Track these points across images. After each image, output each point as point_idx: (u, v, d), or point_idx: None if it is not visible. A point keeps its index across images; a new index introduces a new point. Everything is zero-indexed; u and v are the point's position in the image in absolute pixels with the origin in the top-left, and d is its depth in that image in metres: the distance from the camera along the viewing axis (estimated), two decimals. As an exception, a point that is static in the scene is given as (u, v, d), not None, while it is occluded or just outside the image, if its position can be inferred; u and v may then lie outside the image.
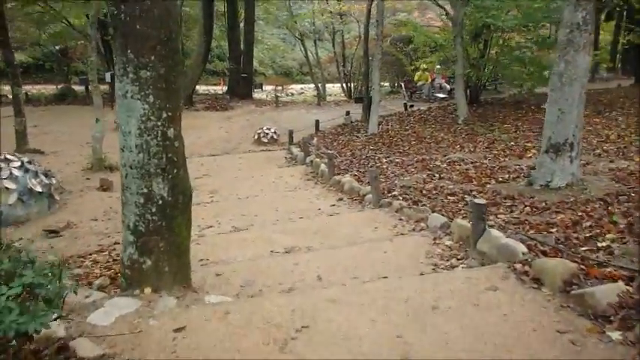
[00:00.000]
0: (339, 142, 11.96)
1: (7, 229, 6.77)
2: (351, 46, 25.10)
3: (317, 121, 14.09)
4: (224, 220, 6.82)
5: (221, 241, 5.60)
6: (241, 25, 22.82)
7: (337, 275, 4.25)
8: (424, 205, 5.90)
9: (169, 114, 3.36)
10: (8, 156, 7.31)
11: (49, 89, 23.71)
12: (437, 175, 7.34)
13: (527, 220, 4.94)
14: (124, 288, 3.77)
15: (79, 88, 23.06)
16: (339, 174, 8.51)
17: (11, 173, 7.03)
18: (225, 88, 24.83)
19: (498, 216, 5.19)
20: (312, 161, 10.14)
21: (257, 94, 24.65)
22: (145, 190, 3.43)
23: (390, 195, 6.63)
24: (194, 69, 19.45)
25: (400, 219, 5.74)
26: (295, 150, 11.80)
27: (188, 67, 19.54)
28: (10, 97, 23.85)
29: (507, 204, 5.60)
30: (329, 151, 8.76)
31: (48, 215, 7.30)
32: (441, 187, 6.67)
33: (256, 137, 13.67)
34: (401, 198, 6.36)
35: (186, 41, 24.58)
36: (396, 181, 7.33)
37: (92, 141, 10.03)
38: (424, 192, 6.51)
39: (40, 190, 7.21)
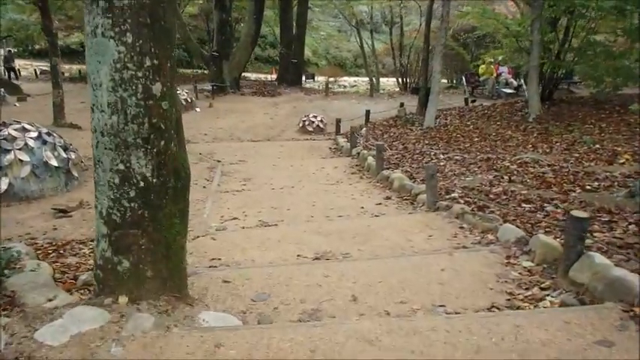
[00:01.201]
0: (390, 134, 10.83)
1: (17, 204, 6.14)
2: (409, 37, 23.71)
3: (367, 112, 12.99)
4: (251, 212, 5.90)
5: (241, 237, 4.66)
6: (295, 9, 21.90)
7: (378, 297, 3.22)
8: (492, 211, 4.73)
9: (155, 62, 2.41)
10: (26, 125, 6.69)
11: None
12: (506, 177, 6.11)
13: (637, 242, 3.70)
14: (97, 293, 2.89)
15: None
16: (388, 169, 7.43)
17: (26, 144, 6.39)
18: (276, 78, 24.08)
19: (594, 234, 3.96)
20: (358, 153, 9.09)
21: (308, 85, 23.74)
22: (121, 167, 2.51)
23: (448, 197, 5.50)
24: (242, 51, 18.74)
25: (461, 227, 4.61)
26: (341, 140, 10.78)
27: (237, 48, 18.85)
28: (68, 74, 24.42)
29: (604, 219, 4.35)
30: (379, 143, 7.68)
31: (64, 193, 6.64)
32: (512, 191, 5.45)
33: (301, 125, 12.75)
34: (462, 201, 5.21)
35: (236, 25, 24.00)
36: (456, 181, 6.16)
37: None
38: (491, 196, 5.32)
39: (57, 165, 6.54)
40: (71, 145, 7.23)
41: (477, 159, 7.42)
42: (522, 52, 12.47)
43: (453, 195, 5.51)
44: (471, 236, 4.35)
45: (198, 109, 15.26)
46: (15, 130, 6.49)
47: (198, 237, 4.75)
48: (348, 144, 9.96)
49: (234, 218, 5.69)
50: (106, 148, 2.52)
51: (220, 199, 6.57)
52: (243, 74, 21.35)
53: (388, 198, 6.30)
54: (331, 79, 24.49)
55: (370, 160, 8.06)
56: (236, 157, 9.69)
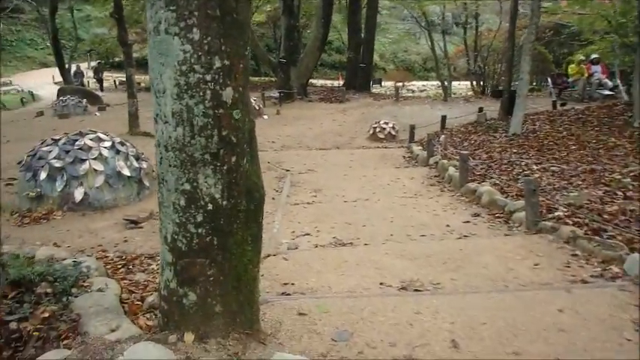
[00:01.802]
0: (470, 141, 10.06)
1: (91, 213, 6.10)
2: (486, 37, 22.51)
3: (443, 117, 12.25)
4: (324, 227, 5.47)
5: (315, 258, 4.22)
6: (364, 11, 21.45)
7: (484, 344, 2.65)
8: (612, 236, 3.99)
9: (226, 62, 2.02)
10: (101, 135, 6.68)
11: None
12: (620, 194, 5.26)
13: None
14: (161, 327, 2.54)
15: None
16: (473, 180, 6.74)
17: (101, 154, 6.35)
18: (342, 84, 23.71)
19: None
20: (436, 162, 8.44)
21: (375, 90, 23.16)
22: (187, 187, 2.14)
23: (551, 216, 4.77)
24: (309, 56, 18.50)
25: (574, 254, 3.91)
26: (416, 148, 10.14)
27: (304, 54, 18.65)
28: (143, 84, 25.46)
29: None
30: (462, 152, 7.01)
31: (136, 202, 6.54)
32: (632, 210, 4.64)
33: (372, 132, 12.23)
34: (570, 222, 4.48)
35: (304, 30, 23.91)
36: (557, 197, 5.39)
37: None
38: (606, 216, 4.54)
39: (129, 174, 6.45)
40: (143, 154, 7.16)
41: (578, 170, 6.56)
42: (625, 48, 11.21)
43: (556, 214, 4.78)
44: (589, 267, 3.65)
45: (265, 117, 15.16)
46: (90, 139, 6.48)
47: (269, 256, 4.36)
48: (424, 152, 9.32)
49: (306, 234, 5.27)
50: (170, 165, 2.15)
51: (290, 212, 6.19)
52: (310, 81, 21.18)
53: (477, 215, 5.64)
54: (399, 83, 23.79)
55: (452, 170, 7.40)
56: (305, 166, 9.33)
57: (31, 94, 22.28)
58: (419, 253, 4.21)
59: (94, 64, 26.96)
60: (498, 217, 5.46)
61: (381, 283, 3.59)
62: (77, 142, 6.33)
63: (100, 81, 24.41)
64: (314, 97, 19.50)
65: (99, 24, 28.37)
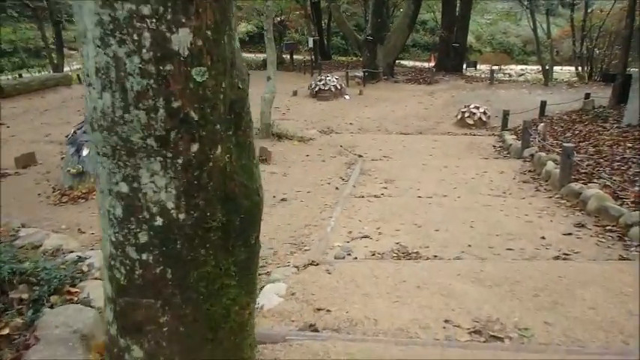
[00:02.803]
0: (574, 132, 8.52)
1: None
2: (596, 18, 19.81)
3: (543, 103, 10.65)
4: (388, 229, 4.58)
5: (366, 274, 3.36)
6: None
7: None
8: None
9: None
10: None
11: (262, 56, 24.33)
12: None
13: None
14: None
15: (293, 57, 23.19)
16: (577, 180, 5.47)
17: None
18: (433, 65, 22.13)
19: None
20: (532, 155, 7.13)
21: (469, 73, 21.32)
22: (124, 189, 1.40)
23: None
24: (398, 34, 17.21)
25: None
26: (509, 138, 8.79)
27: (392, 31, 17.41)
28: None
29: None
30: (566, 144, 5.71)
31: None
32: None
33: (460, 117, 10.94)
34: None
35: (395, 9, 22.52)
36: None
37: (261, 103, 8.69)
38: None
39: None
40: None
41: None
42: None
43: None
44: None
45: (347, 97, 14.29)
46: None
47: (309, 265, 3.58)
48: (519, 142, 7.99)
49: (365, 236, 4.42)
50: (99, 154, 1.40)
51: (352, 207, 5.35)
52: (398, 61, 19.91)
53: (581, 225, 4.44)
54: (495, 66, 21.73)
55: (550, 165, 6.12)
56: (380, 152, 8.39)
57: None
58: (502, 277, 3.20)
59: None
60: (610, 231, 4.25)
61: (445, 321, 2.67)
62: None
63: None
64: (401, 77, 18.26)
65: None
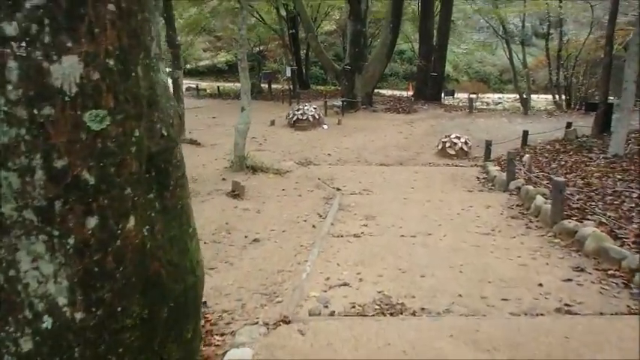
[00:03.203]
0: (560, 163, 8.29)
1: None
2: (571, 48, 20.17)
3: (525, 132, 10.48)
4: (370, 274, 4.15)
5: (345, 337, 2.91)
6: (437, 17, 19.85)
7: None
8: None
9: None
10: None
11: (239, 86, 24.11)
12: None
13: None
14: None
15: (272, 86, 22.97)
16: (570, 216, 5.15)
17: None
18: (411, 94, 22.13)
19: None
20: (519, 188, 6.83)
21: (447, 102, 21.36)
22: None
23: None
24: (376, 63, 17.11)
25: None
26: (493, 169, 8.51)
27: (370, 60, 17.33)
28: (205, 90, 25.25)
29: None
30: (557, 178, 5.41)
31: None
32: None
33: (441, 147, 10.69)
34: None
35: (372, 39, 22.62)
36: None
37: (235, 134, 8.27)
38: None
39: (142, 191, 5.48)
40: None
41: None
42: None
43: None
44: None
45: (325, 126, 14.00)
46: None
47: (280, 324, 3.11)
48: (503, 174, 7.70)
49: (344, 284, 3.97)
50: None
51: (330, 248, 4.91)
52: (377, 90, 19.82)
53: (580, 269, 4.08)
54: (473, 95, 21.85)
55: (540, 200, 5.80)
56: (360, 185, 8.01)
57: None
58: (501, 339, 2.78)
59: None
60: (612, 276, 3.90)
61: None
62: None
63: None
64: (379, 106, 18.11)
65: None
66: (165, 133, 1.13)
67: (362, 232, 5.48)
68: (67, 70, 0.90)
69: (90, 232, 0.99)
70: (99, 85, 0.93)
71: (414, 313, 3.41)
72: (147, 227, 1.08)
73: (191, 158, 9.54)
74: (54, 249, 0.99)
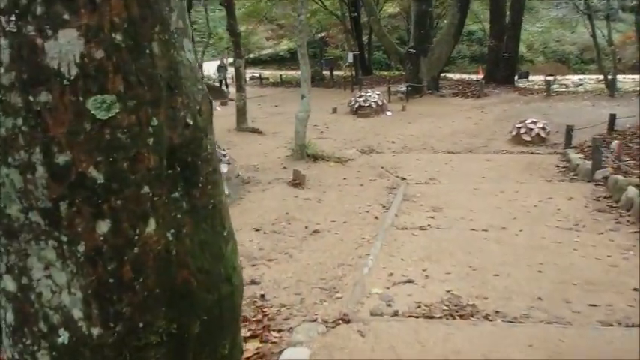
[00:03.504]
0: (654, 150, 7.47)
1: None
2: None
3: (612, 117, 9.56)
4: (437, 271, 3.86)
5: (408, 340, 2.67)
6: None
7: None
8: None
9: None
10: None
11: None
12: None
13: None
14: None
15: (333, 73, 22.75)
16: (668, 211, 4.56)
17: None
18: (481, 77, 21.05)
19: None
20: (606, 178, 6.19)
21: (520, 84, 20.11)
22: (11, 288, 0.82)
23: None
24: (443, 45, 16.34)
25: None
26: (575, 157, 7.81)
27: (436, 42, 16.60)
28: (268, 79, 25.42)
29: None
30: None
31: (211, 213, 5.55)
32: None
33: (515, 133, 10.00)
34: None
35: (439, 21, 21.67)
36: None
37: (295, 123, 8.14)
38: None
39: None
40: (226, 155, 6.13)
41: None
42: None
43: None
44: None
45: (389, 113, 13.60)
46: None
47: (339, 323, 2.92)
48: (588, 163, 7.02)
49: (409, 281, 3.72)
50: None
51: (394, 241, 4.66)
52: (443, 74, 19.02)
53: (684, 273, 3.56)
54: (550, 77, 20.44)
55: (632, 192, 5.20)
56: (426, 175, 7.63)
57: (170, 89, 23.35)
58: (588, 353, 2.42)
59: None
60: None
61: None
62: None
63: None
64: (446, 91, 17.39)
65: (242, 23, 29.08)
66: (191, 122, 0.96)
67: (428, 225, 5.17)
68: (64, 48, 0.74)
69: (102, 237, 0.84)
70: (104, 65, 0.77)
71: (486, 317, 3.10)
72: (172, 231, 0.92)
73: (253, 147, 9.56)
74: (64, 256, 0.85)
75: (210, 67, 28.67)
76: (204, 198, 1.00)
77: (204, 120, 1.00)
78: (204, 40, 27.89)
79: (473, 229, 4.95)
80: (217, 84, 22.69)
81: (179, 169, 0.94)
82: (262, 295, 3.50)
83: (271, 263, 4.16)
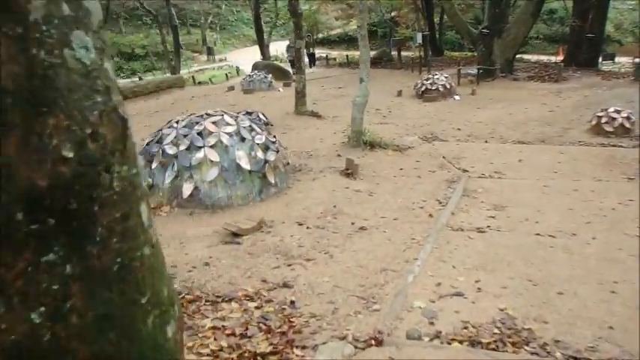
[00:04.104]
0: None
1: (201, 212, 5.08)
2: None
3: None
4: (492, 284, 3.44)
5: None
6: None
7: None
8: None
9: None
10: (227, 117, 5.61)
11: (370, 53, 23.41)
12: None
13: None
14: None
15: (401, 54, 21.91)
16: None
17: (220, 141, 5.28)
18: (561, 59, 19.42)
19: None
20: (703, 180, 5.35)
21: (605, 67, 18.36)
22: None
23: None
24: (519, 25, 15.12)
25: None
26: (665, 152, 6.89)
27: (513, 22, 15.42)
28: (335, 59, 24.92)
29: None
30: None
31: (256, 202, 5.35)
32: None
33: (595, 122, 9.04)
34: None
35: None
36: None
37: (352, 108, 7.74)
38: None
39: (250, 168, 5.27)
40: (275, 142, 5.90)
41: None
42: None
43: None
44: None
45: (457, 97, 12.84)
46: (213, 122, 5.46)
47: (371, 343, 2.61)
48: (681, 160, 6.15)
49: (457, 294, 3.33)
50: None
51: (447, 244, 4.25)
52: (519, 55, 17.73)
53: None
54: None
55: None
56: (491, 167, 7.04)
57: (237, 69, 23.60)
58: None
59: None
60: None
61: None
62: (197, 126, 5.36)
63: (310, 56, 24.17)
64: (521, 74, 16.19)
65: (305, 1, 28.77)
66: (71, 154, 0.67)
67: (487, 226, 4.69)
68: None
69: None
70: None
71: (544, 347, 2.67)
72: (41, 310, 0.64)
73: (309, 131, 9.30)
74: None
75: (278, 47, 28.79)
76: (105, 256, 0.73)
77: (105, 146, 0.71)
78: (272, 19, 27.93)
79: (538, 234, 4.43)
80: (288, 64, 22.60)
81: (53, 220, 0.66)
82: (292, 302, 3.25)
83: (309, 264, 3.89)
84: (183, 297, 3.24)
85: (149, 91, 16.13)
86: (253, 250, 4.18)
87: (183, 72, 22.08)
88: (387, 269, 3.79)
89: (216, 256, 4.04)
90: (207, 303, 3.19)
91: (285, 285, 3.51)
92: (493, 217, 4.99)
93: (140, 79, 20.77)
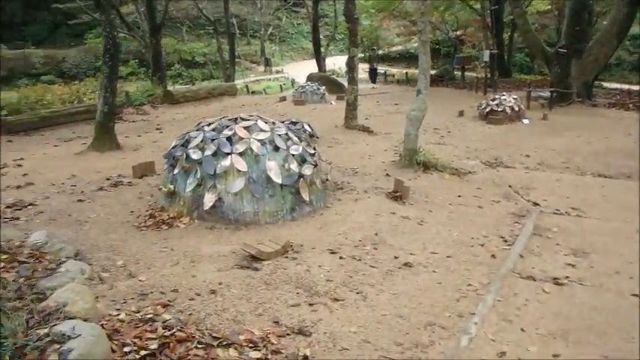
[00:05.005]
0: None
1: (222, 227, 4.42)
2: None
3: None
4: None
5: None
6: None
7: None
8: None
9: None
10: (261, 122, 4.95)
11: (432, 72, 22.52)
12: None
13: None
14: None
15: (465, 73, 20.82)
16: None
17: (250, 148, 4.62)
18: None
19: None
20: None
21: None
22: None
23: None
24: (601, 45, 13.64)
25: None
26: None
27: (594, 42, 14.02)
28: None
29: None
30: None
31: (286, 221, 4.63)
32: None
33: (693, 159, 7.73)
34: None
35: (598, 19, 18.56)
36: None
37: (406, 123, 6.91)
38: None
39: (280, 182, 4.57)
40: (314, 154, 5.17)
41: None
42: None
43: None
44: None
45: (526, 121, 11.72)
46: (245, 127, 4.82)
47: None
48: None
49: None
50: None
51: (514, 296, 3.34)
52: (597, 82, 16.20)
53: None
54: None
55: None
56: (567, 202, 5.98)
57: (292, 81, 23.37)
58: None
59: (361, 54, 26.79)
60: None
61: None
62: (226, 130, 4.74)
63: (372, 71, 23.51)
64: (600, 100, 14.74)
65: (367, 16, 28.28)
66: None
67: (566, 277, 3.73)
68: None
69: None
70: None
71: None
72: None
73: (358, 147, 8.55)
74: None
75: (335, 61, 28.41)
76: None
77: None
78: (331, 32, 27.64)
79: (635, 295, 3.42)
80: (345, 78, 22.01)
81: None
82: (306, 358, 2.48)
83: (336, 305, 3.11)
84: (172, 334, 2.55)
85: (200, 97, 16.00)
86: (271, 279, 3.45)
87: (239, 81, 22.05)
88: (434, 324, 2.95)
89: (226, 283, 3.34)
90: (200, 346, 2.47)
91: (301, 332, 2.75)
92: (573, 265, 4.00)
93: (193, 84, 20.85)
